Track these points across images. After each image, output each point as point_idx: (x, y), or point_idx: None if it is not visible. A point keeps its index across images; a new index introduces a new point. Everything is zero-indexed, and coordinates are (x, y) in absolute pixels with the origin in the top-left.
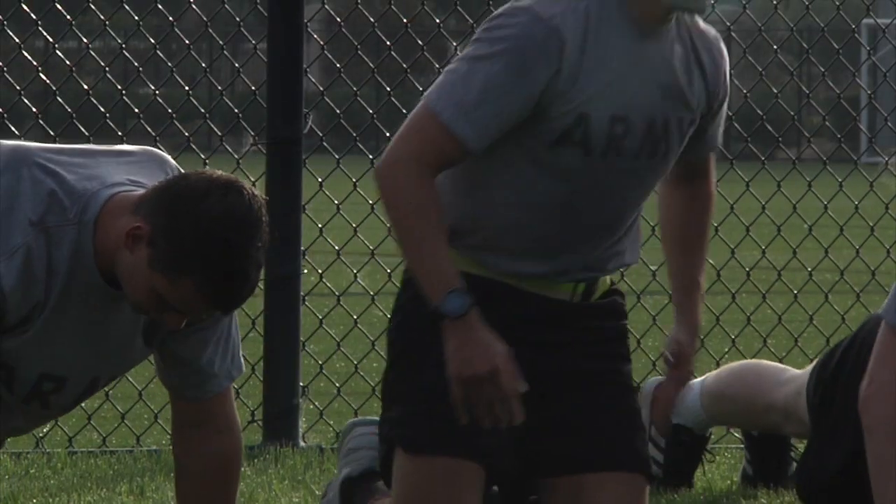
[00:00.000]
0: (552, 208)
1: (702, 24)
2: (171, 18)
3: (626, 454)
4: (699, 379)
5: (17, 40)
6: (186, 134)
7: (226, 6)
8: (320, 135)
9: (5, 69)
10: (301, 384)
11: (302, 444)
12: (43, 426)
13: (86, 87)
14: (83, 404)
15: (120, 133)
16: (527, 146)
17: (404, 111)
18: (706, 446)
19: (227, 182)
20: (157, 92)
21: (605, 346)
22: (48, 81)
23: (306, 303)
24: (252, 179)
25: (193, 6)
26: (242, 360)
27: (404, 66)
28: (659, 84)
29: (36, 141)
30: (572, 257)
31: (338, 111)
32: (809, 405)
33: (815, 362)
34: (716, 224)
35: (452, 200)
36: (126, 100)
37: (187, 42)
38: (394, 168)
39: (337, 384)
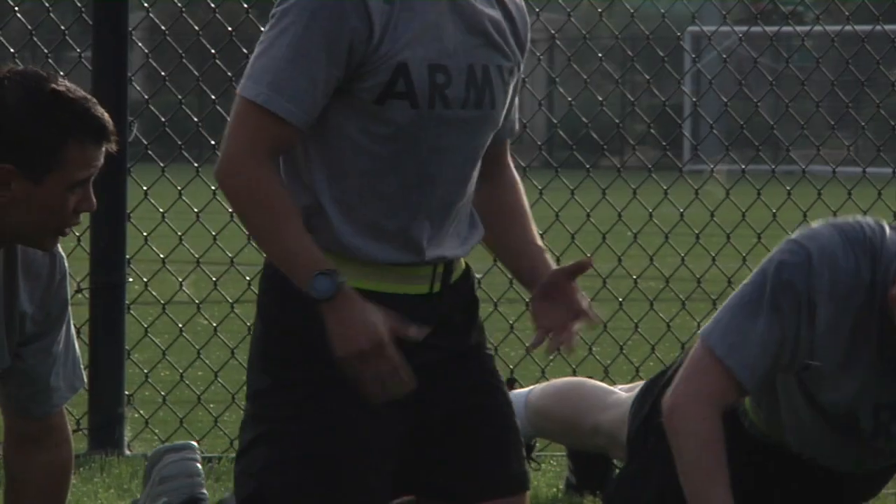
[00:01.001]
0: (393, 171)
1: None
2: None
3: (507, 478)
4: (525, 390)
5: None
6: None
7: (51, 14)
8: (145, 143)
9: None
10: (126, 393)
11: (127, 452)
12: None
13: None
14: None
15: None
16: (355, 110)
17: (229, 119)
18: (531, 455)
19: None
20: None
21: (470, 348)
22: None
23: (131, 311)
24: None
25: (18, 14)
26: (83, 371)
27: (229, 74)
28: (473, 30)
29: None
30: (427, 230)
31: (163, 119)
32: (628, 434)
33: (638, 388)
34: (540, 232)
35: (301, 191)
36: None
37: (12, 50)
38: (231, 169)
39: (162, 393)
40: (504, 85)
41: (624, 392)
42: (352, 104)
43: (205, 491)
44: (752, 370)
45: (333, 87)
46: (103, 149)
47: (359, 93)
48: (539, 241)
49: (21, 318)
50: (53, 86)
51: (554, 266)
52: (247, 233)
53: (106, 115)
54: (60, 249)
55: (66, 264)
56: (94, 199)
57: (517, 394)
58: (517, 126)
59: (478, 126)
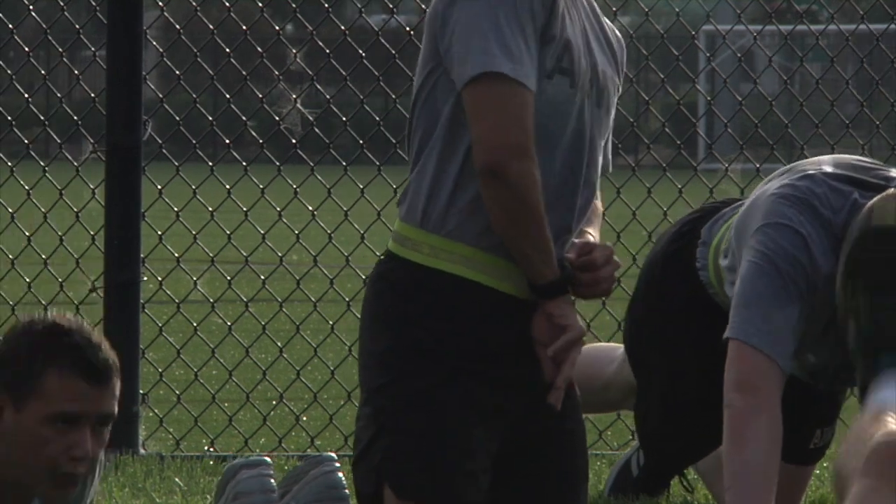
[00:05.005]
0: (545, 148)
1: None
2: (10, 26)
3: None
4: None
5: None
6: (26, 141)
7: (65, 13)
8: (160, 142)
9: None
10: (141, 392)
11: (142, 451)
12: None
13: None
14: None
15: None
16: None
17: (244, 118)
18: None
19: None
20: None
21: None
22: None
23: (146, 310)
24: (91, 187)
25: (33, 13)
26: None
27: (243, 73)
28: (598, 36)
29: None
30: (556, 230)
31: (177, 118)
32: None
33: None
34: None
35: (468, 177)
36: None
37: (27, 49)
38: (521, 159)
39: (177, 392)
40: (614, 96)
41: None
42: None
43: None
44: (788, 356)
45: (537, 39)
46: (100, 391)
47: (539, 62)
48: (589, 230)
49: None
50: (56, 321)
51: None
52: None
53: (103, 356)
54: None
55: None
56: (90, 447)
57: None
58: (610, 164)
59: (598, 125)
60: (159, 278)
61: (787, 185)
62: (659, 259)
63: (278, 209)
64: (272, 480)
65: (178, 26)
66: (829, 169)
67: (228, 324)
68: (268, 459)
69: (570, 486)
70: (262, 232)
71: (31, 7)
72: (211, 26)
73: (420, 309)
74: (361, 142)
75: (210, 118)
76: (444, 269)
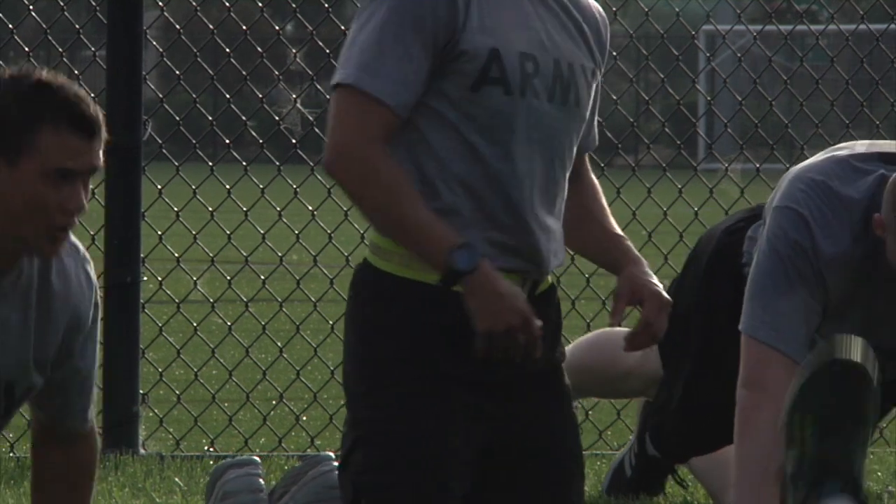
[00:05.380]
0: (487, 164)
1: None
2: (10, 26)
3: None
4: None
5: None
6: None
7: (65, 13)
8: (160, 142)
9: None
10: (141, 392)
11: (142, 451)
12: None
13: None
14: None
15: None
16: (451, 97)
17: (243, 118)
18: None
19: None
20: None
21: (547, 369)
22: None
23: (146, 310)
24: (91, 187)
25: (33, 13)
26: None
27: (243, 73)
28: (560, 26)
29: None
30: (519, 233)
31: (177, 118)
32: (662, 356)
33: None
34: None
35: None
36: None
37: (27, 49)
38: (342, 154)
39: (177, 392)
40: (587, 86)
41: None
42: (449, 92)
43: None
44: (800, 342)
45: (426, 71)
46: (92, 145)
47: (457, 77)
48: (617, 230)
49: (55, 341)
50: (40, 77)
51: (633, 253)
52: (333, 227)
53: (92, 110)
54: (94, 276)
55: (98, 294)
56: (84, 199)
57: None
58: (597, 140)
59: (565, 123)
60: (159, 278)
61: (811, 165)
62: (705, 257)
63: (278, 209)
64: (260, 480)
65: (178, 26)
66: (860, 150)
67: (228, 324)
68: (256, 459)
69: (564, 485)
70: (262, 232)
71: (31, 7)
72: (211, 26)
73: (392, 318)
74: None
75: (210, 118)
76: (413, 278)
